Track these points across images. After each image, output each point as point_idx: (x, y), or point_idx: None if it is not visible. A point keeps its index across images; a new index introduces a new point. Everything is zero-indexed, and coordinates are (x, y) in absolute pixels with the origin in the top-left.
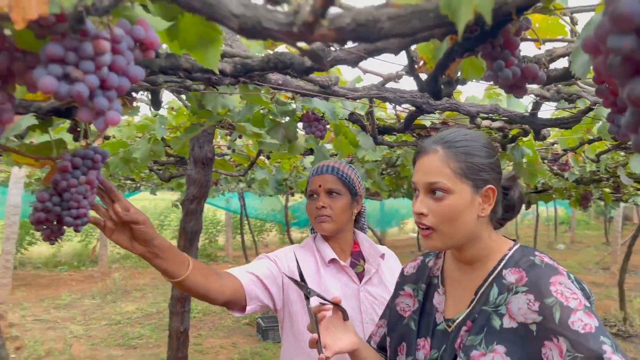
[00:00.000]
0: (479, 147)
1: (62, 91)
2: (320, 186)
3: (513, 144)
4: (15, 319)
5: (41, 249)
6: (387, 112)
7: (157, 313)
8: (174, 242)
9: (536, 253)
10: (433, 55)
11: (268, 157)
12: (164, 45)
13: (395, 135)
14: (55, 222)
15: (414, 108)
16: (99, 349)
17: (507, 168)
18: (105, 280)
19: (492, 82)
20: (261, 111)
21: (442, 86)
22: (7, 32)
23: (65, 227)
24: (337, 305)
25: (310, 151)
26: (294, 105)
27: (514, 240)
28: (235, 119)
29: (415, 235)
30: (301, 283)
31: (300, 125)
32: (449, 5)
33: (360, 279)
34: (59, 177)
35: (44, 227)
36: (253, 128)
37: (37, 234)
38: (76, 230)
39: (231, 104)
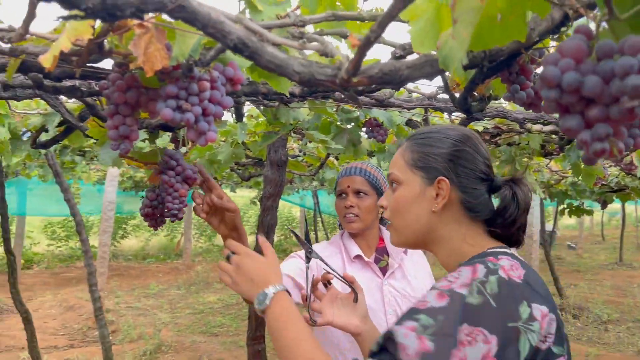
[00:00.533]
0: (439, 137)
1: (176, 119)
2: (348, 187)
3: (569, 145)
4: (111, 305)
5: (131, 242)
6: (442, 119)
7: (237, 304)
8: (253, 237)
9: (499, 257)
10: (465, 78)
11: (337, 158)
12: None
13: None
14: (158, 215)
15: (464, 115)
16: (184, 335)
17: (504, 171)
18: (189, 272)
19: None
20: (328, 119)
21: (474, 103)
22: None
23: (165, 219)
24: (349, 286)
25: (373, 152)
26: (357, 113)
27: (501, 245)
28: (305, 126)
29: None
30: (303, 241)
31: (363, 130)
32: (443, 62)
33: (384, 274)
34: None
35: (150, 219)
36: (320, 135)
37: (129, 228)
38: (172, 221)
39: (301, 116)
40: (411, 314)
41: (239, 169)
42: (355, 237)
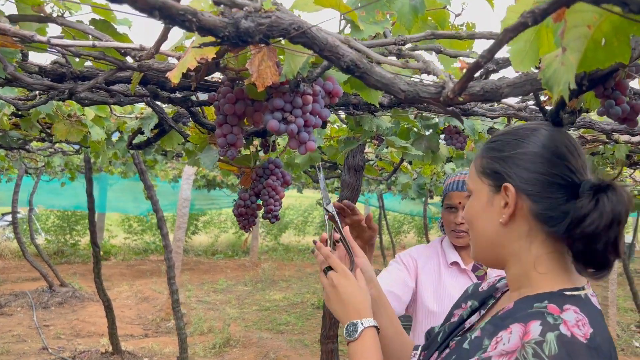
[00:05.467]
0: (508, 140)
1: (281, 130)
2: (460, 203)
3: None
4: (182, 299)
5: (201, 238)
6: None
7: (302, 303)
8: (316, 238)
9: (566, 306)
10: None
11: (410, 163)
12: None
13: None
14: (250, 216)
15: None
16: (252, 331)
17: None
18: (256, 270)
19: (605, 116)
20: (406, 125)
21: (565, 115)
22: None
23: (255, 219)
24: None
25: (451, 158)
26: (436, 120)
27: (575, 287)
28: (384, 133)
29: None
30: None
31: (442, 137)
32: (546, 83)
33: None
34: (254, 183)
35: (243, 218)
36: (401, 142)
37: (200, 225)
38: (271, 222)
39: (384, 124)
40: None
41: (311, 172)
42: (457, 245)
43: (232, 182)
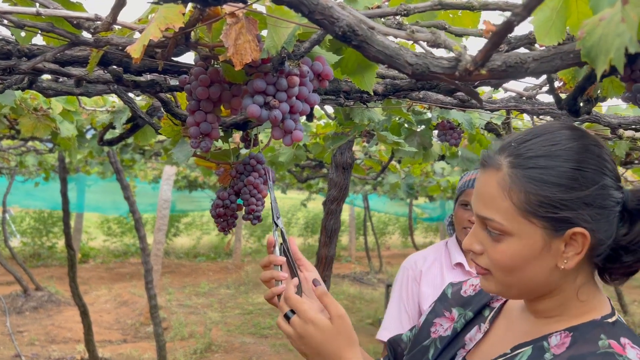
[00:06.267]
0: (565, 170)
1: (263, 116)
2: None
3: None
4: (163, 303)
5: (183, 240)
6: (524, 122)
7: None
8: (301, 240)
9: (621, 340)
10: (573, 76)
11: (399, 162)
12: None
13: None
14: (229, 217)
15: (552, 119)
16: (234, 335)
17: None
18: (239, 272)
19: (630, 103)
20: (398, 120)
21: (581, 104)
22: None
23: (235, 221)
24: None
25: (442, 157)
26: (429, 115)
27: (611, 312)
28: (375, 128)
29: None
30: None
31: (434, 133)
32: (588, 54)
33: None
34: (234, 181)
35: (221, 219)
36: (393, 137)
37: (181, 227)
38: (253, 223)
39: (376, 117)
40: None
41: (296, 171)
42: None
43: (215, 182)
